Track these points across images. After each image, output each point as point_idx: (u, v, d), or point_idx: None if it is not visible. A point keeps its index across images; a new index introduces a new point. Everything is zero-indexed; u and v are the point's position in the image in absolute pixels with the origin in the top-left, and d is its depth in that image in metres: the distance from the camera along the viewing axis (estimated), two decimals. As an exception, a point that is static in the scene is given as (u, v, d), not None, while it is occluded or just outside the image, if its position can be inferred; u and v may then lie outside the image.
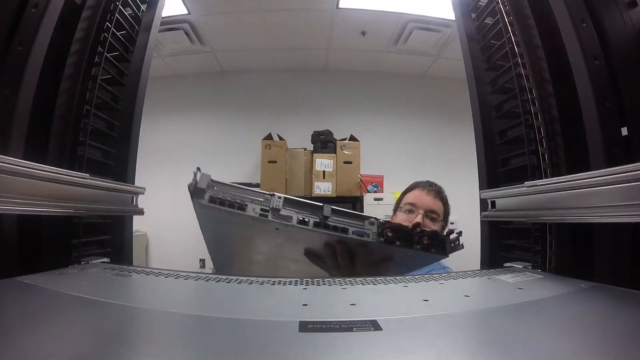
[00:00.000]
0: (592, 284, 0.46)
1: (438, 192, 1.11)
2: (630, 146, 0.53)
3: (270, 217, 0.51)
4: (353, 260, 0.57)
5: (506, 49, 0.74)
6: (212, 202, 0.51)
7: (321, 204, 0.53)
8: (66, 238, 0.62)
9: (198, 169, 0.52)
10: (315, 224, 0.52)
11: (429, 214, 1.05)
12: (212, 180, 0.52)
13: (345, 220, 0.54)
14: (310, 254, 0.61)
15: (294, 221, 0.51)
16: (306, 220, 0.52)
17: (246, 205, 0.51)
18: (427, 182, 1.16)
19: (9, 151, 0.51)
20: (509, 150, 0.75)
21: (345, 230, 0.53)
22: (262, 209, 0.51)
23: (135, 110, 0.85)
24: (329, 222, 0.53)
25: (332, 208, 0.53)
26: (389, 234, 0.54)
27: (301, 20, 2.74)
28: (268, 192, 0.53)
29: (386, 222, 0.55)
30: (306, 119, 3.34)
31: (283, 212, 0.52)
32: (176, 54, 3.11)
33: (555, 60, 0.64)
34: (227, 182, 0.53)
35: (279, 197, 0.52)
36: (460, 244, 0.58)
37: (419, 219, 1.02)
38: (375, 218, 0.54)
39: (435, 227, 1.04)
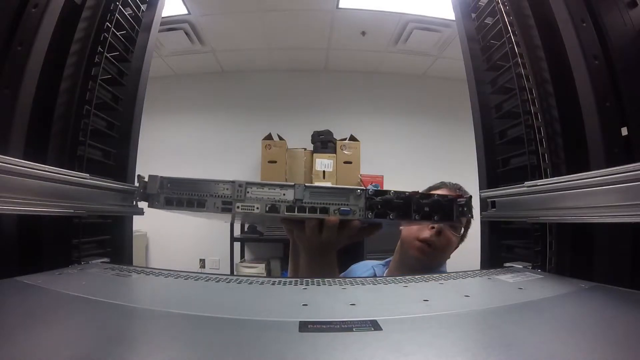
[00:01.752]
0: (592, 284, 0.46)
1: None
2: (630, 146, 0.53)
3: (234, 210, 0.47)
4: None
5: (506, 49, 0.74)
6: (169, 204, 0.47)
7: (293, 184, 0.48)
8: (66, 238, 0.62)
9: (139, 176, 0.48)
10: (289, 209, 0.47)
11: None
12: (162, 178, 0.48)
13: (323, 200, 0.48)
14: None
15: (262, 210, 0.47)
16: (276, 206, 0.47)
17: (206, 200, 0.47)
18: (456, 184, 1.07)
19: (9, 151, 0.51)
20: (509, 150, 0.75)
21: (325, 211, 0.48)
22: (223, 202, 0.47)
23: (135, 110, 0.85)
24: (304, 204, 0.47)
25: (305, 186, 0.48)
26: (379, 207, 0.48)
27: (301, 20, 2.74)
28: (229, 180, 0.48)
29: (376, 192, 0.48)
30: (306, 119, 3.33)
31: (248, 201, 0.47)
32: (176, 54, 3.11)
33: (555, 60, 0.64)
34: (180, 176, 0.48)
35: (240, 185, 0.47)
36: (471, 213, 0.51)
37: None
38: (362, 189, 0.48)
39: (455, 235, 0.98)
